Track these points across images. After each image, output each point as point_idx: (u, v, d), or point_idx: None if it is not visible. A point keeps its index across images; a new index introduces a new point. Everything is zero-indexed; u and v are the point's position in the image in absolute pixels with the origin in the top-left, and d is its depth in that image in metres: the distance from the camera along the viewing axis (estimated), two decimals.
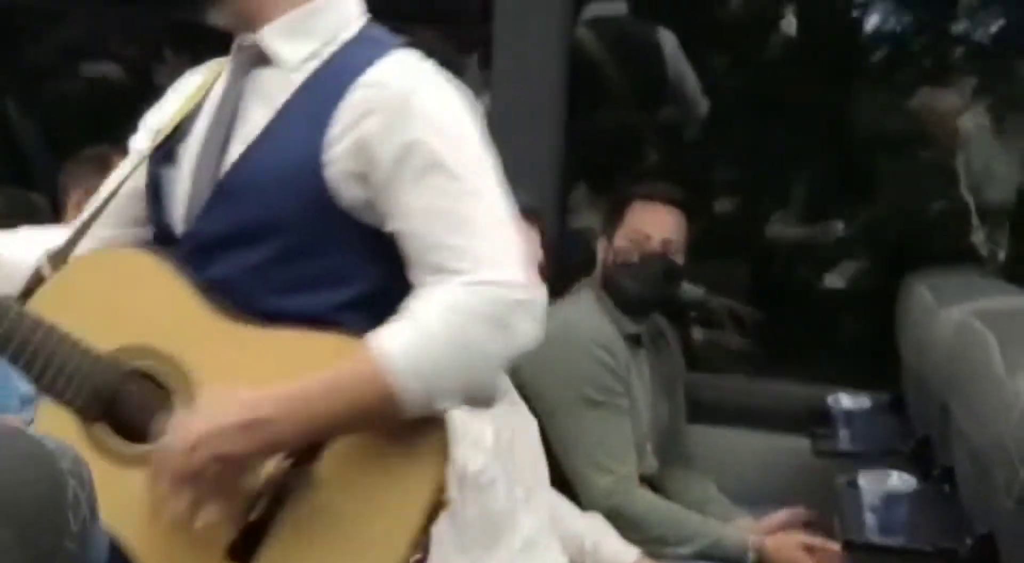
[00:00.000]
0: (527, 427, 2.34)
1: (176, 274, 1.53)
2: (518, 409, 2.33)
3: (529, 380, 2.45)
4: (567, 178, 3.24)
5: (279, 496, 1.48)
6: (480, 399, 1.51)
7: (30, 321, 1.51)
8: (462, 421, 2.04)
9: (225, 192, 1.54)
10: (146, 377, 1.53)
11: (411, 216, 1.48)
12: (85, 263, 1.60)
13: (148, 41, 3.99)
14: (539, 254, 2.23)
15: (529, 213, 2.22)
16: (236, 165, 1.54)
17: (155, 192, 1.62)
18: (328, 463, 1.48)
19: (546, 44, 2.99)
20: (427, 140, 1.48)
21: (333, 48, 1.57)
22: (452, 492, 1.93)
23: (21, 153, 4.05)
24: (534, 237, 2.22)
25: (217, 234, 1.54)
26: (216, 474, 1.43)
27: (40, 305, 1.55)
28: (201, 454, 1.42)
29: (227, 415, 1.43)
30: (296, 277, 1.52)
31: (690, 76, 3.69)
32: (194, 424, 1.43)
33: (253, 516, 1.48)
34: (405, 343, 1.42)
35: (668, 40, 3.66)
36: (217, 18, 1.60)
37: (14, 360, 1.53)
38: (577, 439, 2.54)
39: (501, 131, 3.11)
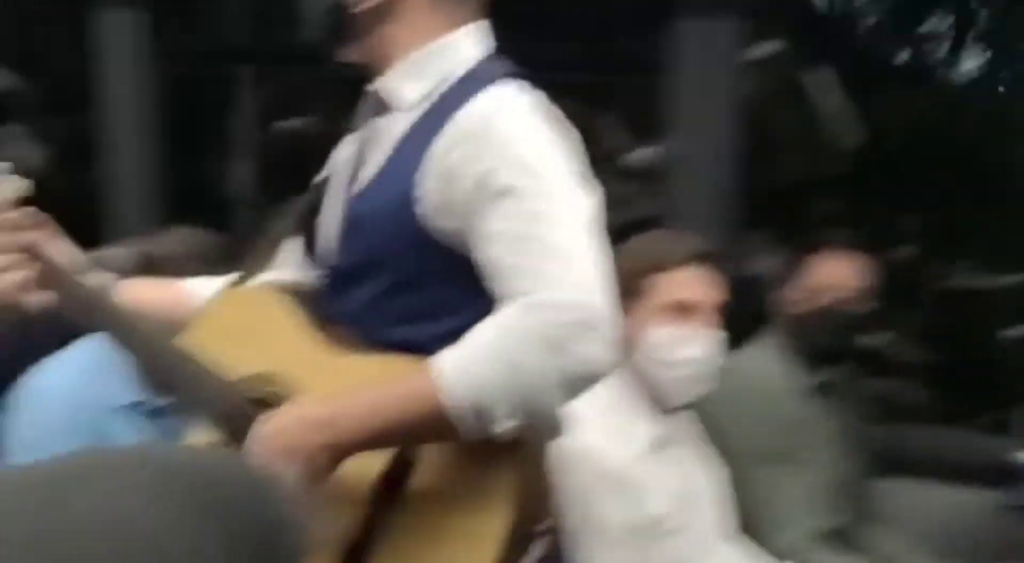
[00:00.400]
0: (714, 475, 2.33)
1: (296, 308, 1.68)
2: (705, 457, 2.34)
3: (710, 430, 2.43)
4: (744, 224, 3.24)
5: (375, 518, 1.54)
6: (539, 422, 1.47)
7: (177, 349, 1.67)
8: (649, 467, 2.08)
9: (345, 233, 1.65)
10: (268, 404, 1.63)
11: (485, 242, 1.49)
12: (227, 299, 1.77)
13: (343, 97, 4.17)
14: (719, 296, 2.21)
15: (709, 257, 2.24)
16: (352, 207, 1.64)
17: (310, 237, 1.75)
18: (416, 488, 1.53)
19: (720, 91, 3.00)
20: (501, 167, 1.48)
21: (444, 88, 1.60)
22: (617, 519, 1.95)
23: (223, 204, 4.28)
24: (716, 281, 2.23)
25: (340, 271, 1.66)
26: (288, 465, 1.49)
27: (189, 335, 1.72)
28: (275, 444, 1.49)
29: (299, 409, 1.52)
30: (402, 309, 1.58)
31: (846, 110, 3.67)
32: (273, 419, 1.52)
33: (352, 534, 1.53)
34: (455, 361, 1.44)
35: (824, 77, 3.65)
36: (350, 56, 1.67)
37: (161, 386, 1.68)
38: (756, 493, 2.47)
39: (679, 178, 3.16)
